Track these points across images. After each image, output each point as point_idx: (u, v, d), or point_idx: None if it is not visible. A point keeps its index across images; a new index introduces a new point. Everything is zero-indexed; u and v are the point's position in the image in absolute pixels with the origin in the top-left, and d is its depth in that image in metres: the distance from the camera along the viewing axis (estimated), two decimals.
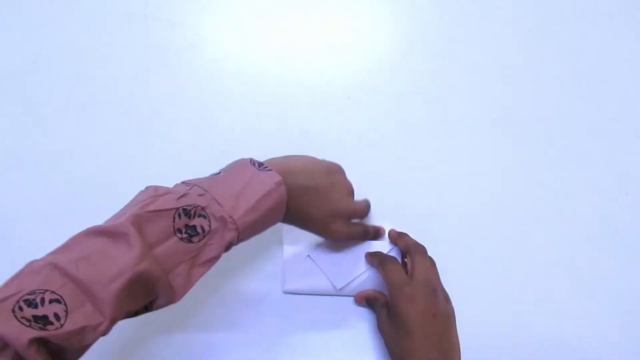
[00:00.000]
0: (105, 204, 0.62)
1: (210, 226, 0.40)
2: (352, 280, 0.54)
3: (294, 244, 0.55)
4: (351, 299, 0.55)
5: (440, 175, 0.62)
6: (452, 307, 0.50)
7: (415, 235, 0.58)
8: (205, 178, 0.44)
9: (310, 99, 0.67)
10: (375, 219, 0.58)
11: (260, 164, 0.45)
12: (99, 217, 0.60)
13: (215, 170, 0.45)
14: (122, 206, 0.61)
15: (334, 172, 0.51)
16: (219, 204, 0.41)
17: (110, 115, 0.66)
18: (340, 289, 0.54)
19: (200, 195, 0.41)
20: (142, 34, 0.71)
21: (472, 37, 0.71)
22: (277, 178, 0.43)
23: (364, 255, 0.55)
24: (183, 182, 0.43)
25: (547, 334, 0.55)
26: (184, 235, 0.39)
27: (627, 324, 0.55)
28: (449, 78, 0.68)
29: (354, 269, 0.54)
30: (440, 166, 0.63)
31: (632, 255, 0.59)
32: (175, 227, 0.38)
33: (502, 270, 0.57)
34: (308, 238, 0.54)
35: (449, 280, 0.55)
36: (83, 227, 0.60)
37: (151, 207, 0.38)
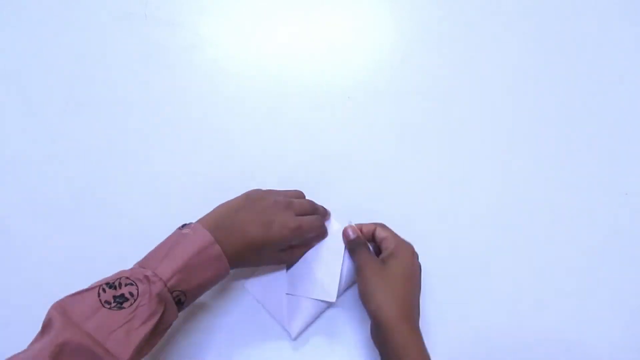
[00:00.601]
0: (105, 203, 0.62)
1: (138, 289, 0.42)
2: (339, 283, 0.53)
3: (263, 293, 0.55)
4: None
5: (440, 175, 0.62)
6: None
7: (416, 234, 0.58)
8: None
9: (310, 99, 0.67)
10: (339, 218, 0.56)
11: (184, 225, 0.47)
12: (99, 217, 0.60)
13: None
14: (121, 206, 0.62)
15: (242, 207, 0.50)
16: (143, 267, 0.44)
17: (110, 115, 0.66)
18: (337, 299, 0.53)
19: (127, 270, 0.44)
20: (142, 34, 0.71)
21: (472, 37, 0.71)
22: (194, 225, 0.46)
23: (329, 255, 0.54)
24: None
25: (547, 334, 0.55)
26: (114, 305, 0.41)
27: (627, 324, 0.55)
28: (449, 78, 0.68)
29: (332, 272, 0.53)
30: (441, 165, 0.63)
31: (632, 255, 0.59)
32: (102, 301, 0.40)
33: (502, 270, 0.57)
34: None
35: (449, 281, 0.55)
36: (82, 226, 0.60)
37: (73, 292, 0.41)
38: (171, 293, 0.43)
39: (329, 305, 0.54)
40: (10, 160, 0.63)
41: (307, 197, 0.57)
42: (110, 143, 0.64)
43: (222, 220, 0.48)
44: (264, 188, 0.54)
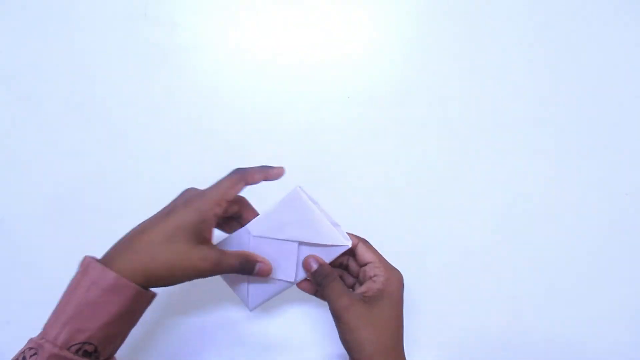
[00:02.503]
0: (105, 203, 0.62)
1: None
2: (297, 265, 0.48)
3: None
4: None
5: (440, 175, 0.62)
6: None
7: (416, 233, 0.58)
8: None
9: (310, 99, 0.67)
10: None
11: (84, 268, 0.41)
12: (98, 217, 0.60)
13: None
14: (121, 206, 0.62)
15: (145, 229, 0.42)
16: (35, 337, 0.39)
17: (110, 116, 0.66)
18: (295, 279, 0.48)
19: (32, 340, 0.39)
20: (142, 35, 0.71)
21: (473, 37, 0.71)
22: (81, 262, 0.41)
23: (287, 234, 0.47)
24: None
25: (548, 335, 0.55)
26: None
27: (627, 324, 0.55)
28: (449, 78, 0.68)
29: (290, 254, 0.47)
30: (441, 166, 0.63)
31: (633, 255, 0.59)
32: None
33: (502, 270, 0.57)
34: None
35: (449, 281, 0.55)
36: (81, 227, 0.60)
37: None
38: (68, 349, 0.37)
39: (291, 285, 0.49)
40: (10, 160, 0.63)
41: None
42: (110, 143, 0.64)
43: (119, 241, 0.42)
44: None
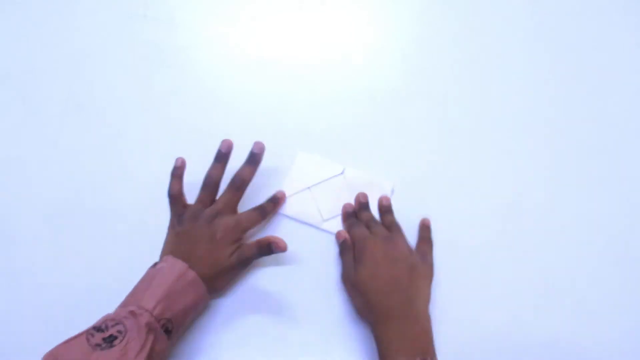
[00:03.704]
0: (104, 204, 0.62)
1: (125, 326, 0.43)
2: (336, 216, 0.59)
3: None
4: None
5: (441, 175, 0.62)
6: (426, 266, 0.54)
7: (415, 233, 0.58)
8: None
9: (310, 98, 0.67)
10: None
11: (155, 264, 0.50)
12: (97, 218, 0.60)
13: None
14: (121, 206, 0.62)
15: (185, 239, 0.53)
16: (125, 307, 0.46)
17: (109, 115, 0.66)
18: (325, 220, 0.59)
19: (110, 313, 0.45)
20: (142, 34, 0.71)
21: (474, 37, 0.71)
22: (165, 258, 0.50)
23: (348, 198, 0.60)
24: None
25: (547, 335, 0.55)
26: (104, 345, 0.42)
27: (627, 324, 0.55)
28: (450, 78, 0.68)
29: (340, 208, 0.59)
30: (441, 165, 0.63)
31: (633, 256, 0.59)
32: (92, 344, 0.42)
33: (502, 270, 0.57)
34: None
35: (449, 280, 0.55)
36: (81, 227, 0.61)
37: (62, 341, 0.42)
38: (158, 322, 0.45)
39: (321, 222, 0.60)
40: (10, 160, 0.63)
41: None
42: (110, 143, 0.64)
43: (181, 253, 0.50)
44: (213, 173, 0.57)
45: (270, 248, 0.52)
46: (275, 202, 0.58)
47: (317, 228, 0.59)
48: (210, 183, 0.56)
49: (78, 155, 0.63)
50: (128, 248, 0.58)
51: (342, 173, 0.61)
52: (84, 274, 0.57)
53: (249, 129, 0.64)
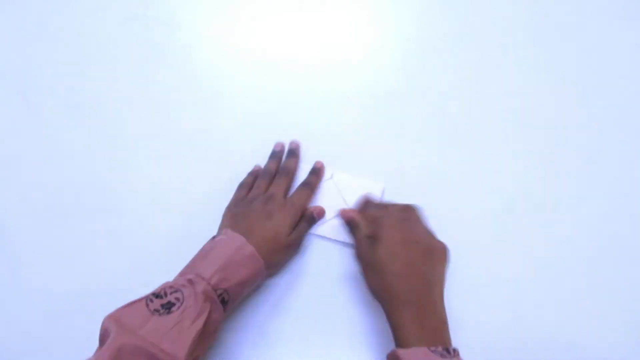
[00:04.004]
0: (104, 204, 0.62)
1: (183, 294, 0.44)
2: (330, 220, 0.59)
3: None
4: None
5: (440, 175, 0.62)
6: (441, 245, 0.51)
7: None
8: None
9: (308, 99, 0.67)
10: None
11: (213, 237, 0.51)
12: (97, 218, 0.61)
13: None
14: (120, 207, 0.62)
15: (242, 216, 0.54)
16: (182, 275, 0.47)
17: (109, 116, 0.66)
18: (318, 225, 0.58)
19: (169, 282, 0.46)
20: (141, 35, 0.71)
21: (472, 37, 0.71)
22: (224, 231, 0.50)
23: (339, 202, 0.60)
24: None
25: (547, 335, 0.55)
26: (163, 311, 0.43)
27: (627, 324, 0.55)
28: (448, 78, 0.68)
29: (334, 210, 0.59)
30: (441, 165, 0.63)
31: (633, 255, 0.59)
32: (151, 309, 0.43)
33: (501, 270, 0.57)
34: None
35: (449, 280, 0.55)
36: (80, 228, 0.61)
37: (123, 305, 0.43)
38: (215, 291, 0.45)
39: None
40: (10, 161, 0.63)
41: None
42: (110, 143, 0.64)
43: (239, 229, 0.51)
44: (269, 166, 0.59)
45: (314, 217, 0.57)
46: (317, 174, 0.60)
47: (312, 234, 0.58)
48: (265, 173, 0.59)
49: (77, 154, 0.63)
50: (128, 247, 0.58)
51: (331, 177, 0.61)
52: (84, 274, 0.57)
53: (248, 129, 0.64)
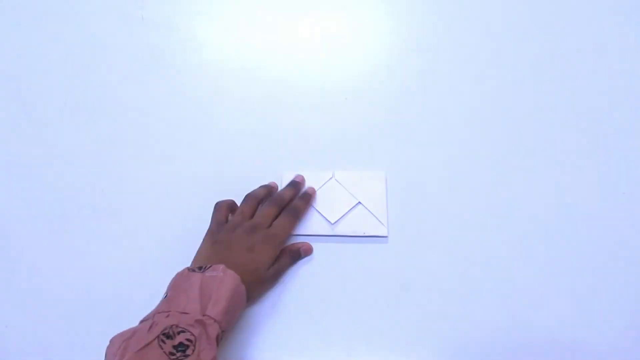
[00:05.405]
0: (104, 205, 0.62)
1: (193, 334, 0.42)
2: (344, 215, 0.59)
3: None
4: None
5: (439, 174, 0.62)
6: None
7: (415, 233, 0.58)
8: (158, 306, 0.46)
9: (307, 99, 0.67)
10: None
11: (200, 267, 0.48)
12: (97, 219, 0.60)
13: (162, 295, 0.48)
14: (120, 208, 0.62)
15: (226, 249, 0.52)
16: (187, 313, 0.44)
17: (108, 117, 0.66)
18: (334, 224, 0.58)
19: (167, 317, 0.43)
20: (139, 36, 0.71)
21: (470, 37, 0.71)
22: (216, 266, 0.48)
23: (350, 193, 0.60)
24: (140, 321, 0.45)
25: (547, 334, 0.55)
26: (178, 355, 0.41)
27: (627, 324, 0.55)
28: (446, 78, 0.68)
29: (345, 206, 0.59)
30: (441, 166, 0.63)
31: (632, 255, 0.59)
32: (167, 352, 0.41)
33: (501, 270, 0.57)
34: None
35: (448, 280, 0.55)
36: (80, 229, 0.60)
37: (134, 348, 0.41)
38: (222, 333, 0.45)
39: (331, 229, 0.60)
40: (8, 161, 0.63)
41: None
42: (109, 145, 0.64)
43: (220, 259, 0.50)
44: (257, 191, 0.58)
45: (299, 253, 0.56)
46: (305, 199, 0.58)
47: (329, 236, 0.58)
48: (252, 198, 0.57)
49: (76, 156, 0.63)
50: (127, 249, 0.58)
51: (332, 177, 0.61)
52: (84, 275, 0.56)
53: (247, 129, 0.64)
